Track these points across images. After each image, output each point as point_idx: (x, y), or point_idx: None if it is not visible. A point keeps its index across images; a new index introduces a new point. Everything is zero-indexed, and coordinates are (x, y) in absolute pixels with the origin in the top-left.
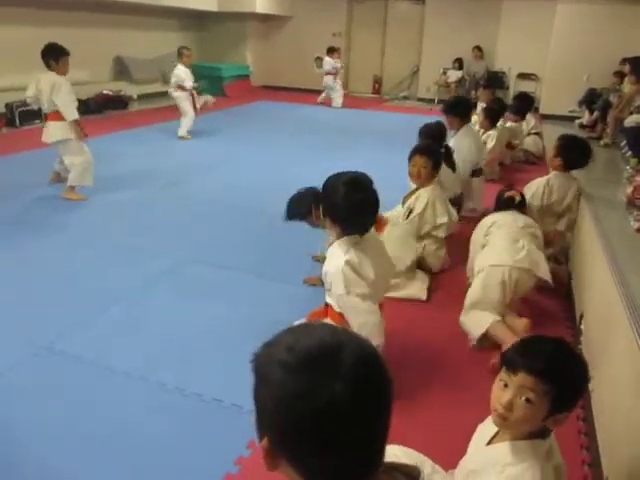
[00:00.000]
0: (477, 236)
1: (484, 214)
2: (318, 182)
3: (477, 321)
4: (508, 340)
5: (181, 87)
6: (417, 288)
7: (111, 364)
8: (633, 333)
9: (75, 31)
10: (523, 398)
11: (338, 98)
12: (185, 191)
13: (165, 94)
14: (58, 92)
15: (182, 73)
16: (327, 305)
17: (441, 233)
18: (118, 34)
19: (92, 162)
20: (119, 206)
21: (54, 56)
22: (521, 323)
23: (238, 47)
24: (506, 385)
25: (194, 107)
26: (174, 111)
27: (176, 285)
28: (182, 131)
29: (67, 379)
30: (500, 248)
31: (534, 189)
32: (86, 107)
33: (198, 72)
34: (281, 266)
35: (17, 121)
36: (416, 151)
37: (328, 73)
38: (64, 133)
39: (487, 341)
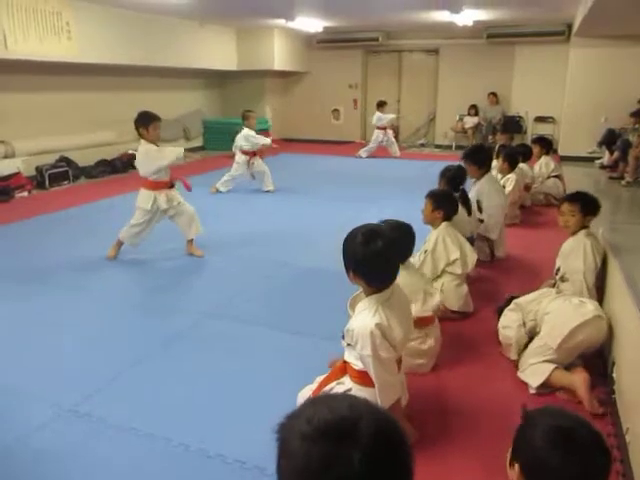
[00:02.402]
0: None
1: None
2: (340, 233)
3: (534, 372)
4: (572, 385)
5: (244, 152)
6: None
7: (135, 425)
8: None
9: (102, 95)
10: None
11: (395, 149)
12: (207, 245)
13: (188, 150)
14: (152, 159)
15: (253, 138)
16: (345, 362)
17: (457, 269)
18: (142, 95)
19: (142, 231)
20: (139, 264)
21: (143, 123)
22: (579, 378)
23: (257, 102)
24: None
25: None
26: (197, 167)
27: (197, 342)
28: (219, 183)
29: (91, 441)
30: (570, 309)
31: (586, 259)
32: (112, 167)
33: (219, 128)
34: (302, 319)
35: (47, 183)
36: (426, 195)
37: (379, 128)
38: (140, 201)
39: (547, 387)
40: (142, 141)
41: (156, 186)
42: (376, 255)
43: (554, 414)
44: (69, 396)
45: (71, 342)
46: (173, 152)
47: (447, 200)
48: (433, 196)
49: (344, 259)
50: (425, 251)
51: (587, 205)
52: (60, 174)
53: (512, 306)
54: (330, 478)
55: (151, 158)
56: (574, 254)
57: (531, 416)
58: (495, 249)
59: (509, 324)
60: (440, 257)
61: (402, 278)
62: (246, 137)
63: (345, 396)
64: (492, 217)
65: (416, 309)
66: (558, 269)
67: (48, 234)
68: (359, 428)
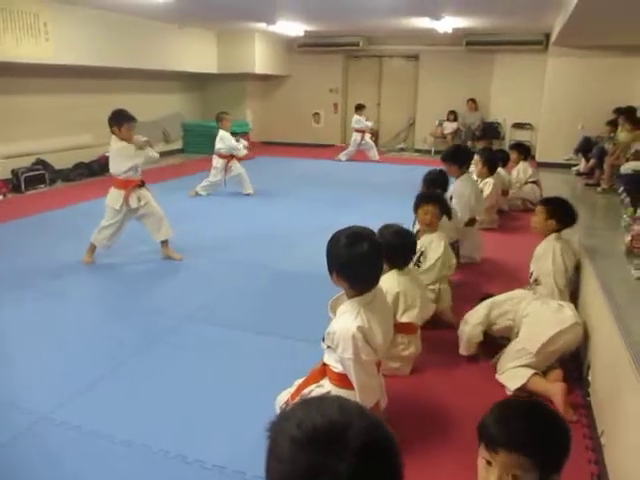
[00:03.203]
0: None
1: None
2: (320, 236)
3: (513, 376)
4: (548, 392)
5: (222, 155)
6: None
7: (112, 432)
8: None
9: (80, 97)
10: (510, 476)
11: (374, 153)
12: (186, 248)
13: (168, 154)
14: (122, 155)
15: (227, 135)
16: (325, 365)
17: (450, 272)
18: (121, 98)
19: (115, 232)
20: (117, 268)
21: (116, 122)
22: (556, 387)
23: (238, 105)
24: (490, 463)
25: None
26: (177, 170)
27: (176, 347)
28: (199, 187)
29: (67, 449)
30: (549, 315)
31: (555, 261)
32: (90, 170)
33: (199, 131)
34: (282, 322)
35: (22, 187)
36: (426, 199)
37: (357, 130)
38: (110, 200)
39: (524, 391)
40: (113, 137)
41: (127, 185)
42: (360, 257)
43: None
44: (44, 404)
45: (48, 348)
46: (145, 152)
47: (444, 198)
48: (440, 201)
49: (328, 260)
50: (421, 253)
51: (558, 209)
52: (36, 177)
53: (484, 303)
54: None
55: (123, 155)
56: (544, 256)
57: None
58: (460, 247)
59: (468, 320)
60: (445, 262)
61: (402, 284)
62: (222, 138)
63: (336, 398)
64: (456, 214)
65: (412, 314)
66: (532, 272)
67: (24, 238)
68: (348, 435)
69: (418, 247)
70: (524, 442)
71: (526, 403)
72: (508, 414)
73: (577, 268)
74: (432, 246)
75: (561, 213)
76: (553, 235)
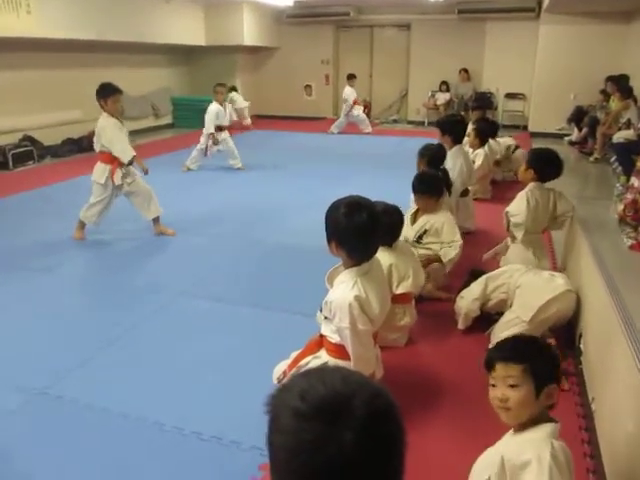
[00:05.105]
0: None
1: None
2: (315, 209)
3: None
4: None
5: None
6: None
7: (108, 406)
8: (631, 351)
9: (66, 72)
10: (508, 387)
11: (367, 125)
12: (179, 223)
13: (157, 128)
14: (104, 135)
15: (212, 112)
16: (322, 335)
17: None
18: (109, 72)
19: (106, 207)
20: (108, 245)
21: (103, 95)
22: None
23: (228, 79)
24: (494, 385)
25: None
26: (167, 145)
27: (171, 322)
28: (188, 160)
29: (63, 424)
30: (541, 284)
31: (520, 202)
32: (79, 146)
33: (189, 105)
34: (276, 296)
35: (10, 164)
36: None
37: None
38: (96, 176)
39: None
40: (103, 114)
41: (113, 160)
42: (359, 227)
43: None
44: (39, 380)
45: (40, 325)
46: (124, 152)
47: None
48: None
49: (327, 229)
50: (425, 231)
51: (537, 159)
52: (24, 154)
53: (479, 280)
54: (321, 457)
55: (103, 136)
56: (517, 199)
57: None
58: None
59: (465, 295)
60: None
61: (393, 258)
62: (206, 111)
63: (336, 368)
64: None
65: (407, 285)
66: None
67: (13, 216)
68: (353, 404)
69: (421, 224)
70: (513, 353)
71: (513, 335)
72: (501, 342)
73: (573, 237)
74: (445, 229)
75: (540, 163)
76: (532, 184)
